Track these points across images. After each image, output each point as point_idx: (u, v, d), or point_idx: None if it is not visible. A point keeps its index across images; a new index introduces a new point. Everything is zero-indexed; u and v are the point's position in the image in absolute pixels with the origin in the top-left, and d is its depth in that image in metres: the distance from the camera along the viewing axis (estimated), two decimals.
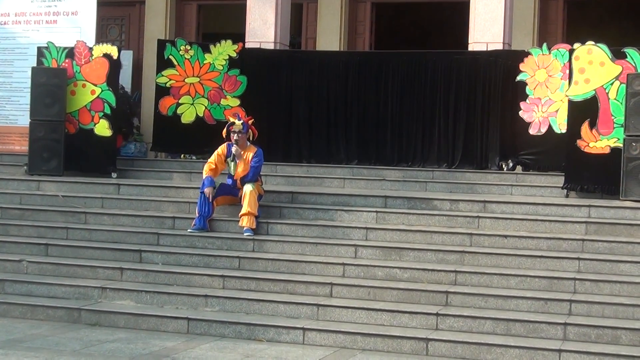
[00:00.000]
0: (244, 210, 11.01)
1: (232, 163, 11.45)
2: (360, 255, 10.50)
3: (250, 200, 11.01)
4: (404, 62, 13.80)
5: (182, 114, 14.09)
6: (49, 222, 11.85)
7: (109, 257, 10.93)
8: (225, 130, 11.51)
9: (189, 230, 11.16)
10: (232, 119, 11.55)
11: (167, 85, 14.09)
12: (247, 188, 11.09)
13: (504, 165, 13.06)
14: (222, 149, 11.52)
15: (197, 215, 11.21)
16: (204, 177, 11.37)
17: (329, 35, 16.54)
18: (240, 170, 11.38)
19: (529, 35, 15.34)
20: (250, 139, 11.57)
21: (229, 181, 11.56)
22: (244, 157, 11.38)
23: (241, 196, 11.19)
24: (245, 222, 10.99)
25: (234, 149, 11.35)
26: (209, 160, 11.53)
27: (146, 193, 12.47)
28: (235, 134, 11.36)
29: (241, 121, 11.45)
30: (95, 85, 13.56)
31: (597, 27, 16.72)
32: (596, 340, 8.69)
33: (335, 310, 9.47)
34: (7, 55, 15.12)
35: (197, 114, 14.06)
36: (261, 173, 11.75)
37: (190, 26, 17.56)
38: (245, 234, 10.94)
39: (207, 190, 11.20)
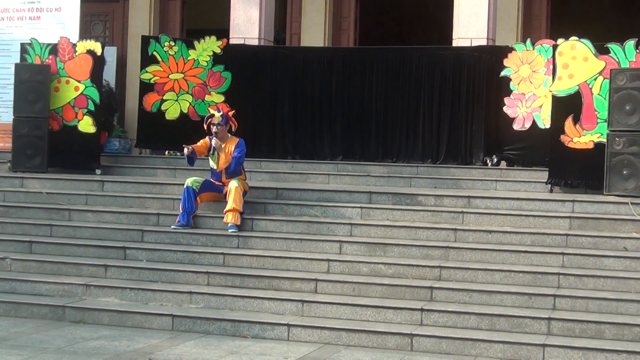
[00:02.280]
0: (228, 206, 11.00)
1: (214, 156, 11.45)
2: (344, 251, 10.51)
3: (235, 196, 10.99)
4: (388, 58, 13.80)
5: (166, 110, 14.06)
6: (33, 220, 11.81)
7: (93, 254, 10.91)
8: (205, 123, 11.54)
9: (172, 226, 11.14)
10: (211, 111, 11.57)
11: (151, 81, 14.06)
12: (233, 184, 11.07)
13: (488, 161, 13.09)
14: (205, 140, 11.54)
15: (180, 211, 11.19)
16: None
17: (314, 31, 16.55)
18: (222, 162, 11.39)
19: (512, 31, 15.38)
20: (232, 130, 11.58)
21: (213, 176, 11.54)
22: (225, 149, 11.37)
23: (226, 192, 11.17)
24: (230, 218, 10.98)
25: (213, 141, 11.35)
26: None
27: (130, 190, 12.45)
28: (215, 126, 11.36)
29: (220, 113, 11.45)
30: (79, 81, 13.50)
31: (580, 23, 16.75)
32: (580, 335, 8.73)
33: (320, 307, 9.47)
34: None
35: (181, 110, 14.04)
36: (246, 169, 11.75)
37: (175, 22, 17.54)
38: (229, 231, 10.92)
39: (186, 150, 11.33)
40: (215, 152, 11.39)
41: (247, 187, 11.48)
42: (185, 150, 11.34)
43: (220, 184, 11.43)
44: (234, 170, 11.30)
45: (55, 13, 14.90)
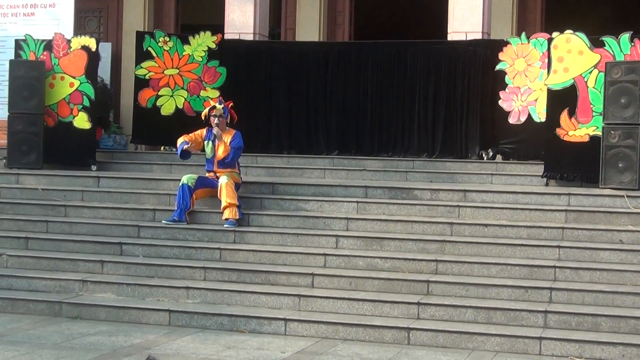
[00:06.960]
0: (224, 203, 10.98)
1: (211, 145, 11.44)
2: (341, 246, 10.51)
3: (228, 191, 10.98)
4: (383, 52, 13.80)
5: (161, 105, 14.06)
6: (29, 216, 11.80)
7: (89, 250, 10.91)
8: (205, 113, 11.53)
9: (163, 221, 11.12)
10: (213, 103, 11.57)
11: (146, 77, 14.05)
12: (222, 180, 11.06)
13: (484, 155, 13.09)
14: (201, 131, 11.57)
15: (175, 208, 11.17)
16: (179, 143, 11.48)
17: (309, 26, 16.54)
18: (220, 152, 11.39)
19: (507, 25, 15.38)
20: (230, 122, 11.58)
21: (207, 166, 11.54)
22: (224, 140, 11.37)
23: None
24: (228, 214, 10.94)
25: (215, 130, 11.35)
26: (186, 134, 11.60)
27: (126, 185, 12.44)
28: (216, 118, 11.37)
29: (222, 105, 11.47)
30: (74, 77, 13.47)
31: (575, 16, 16.75)
32: (576, 328, 8.74)
33: (316, 301, 9.48)
34: None
35: (176, 105, 14.03)
36: (241, 164, 11.75)
37: (169, 18, 17.51)
38: (225, 226, 10.90)
39: (186, 146, 11.40)
40: (211, 142, 11.39)
41: (240, 179, 11.45)
42: (186, 146, 11.37)
43: (213, 175, 11.40)
44: (232, 160, 11.29)
45: (50, 9, 14.87)
